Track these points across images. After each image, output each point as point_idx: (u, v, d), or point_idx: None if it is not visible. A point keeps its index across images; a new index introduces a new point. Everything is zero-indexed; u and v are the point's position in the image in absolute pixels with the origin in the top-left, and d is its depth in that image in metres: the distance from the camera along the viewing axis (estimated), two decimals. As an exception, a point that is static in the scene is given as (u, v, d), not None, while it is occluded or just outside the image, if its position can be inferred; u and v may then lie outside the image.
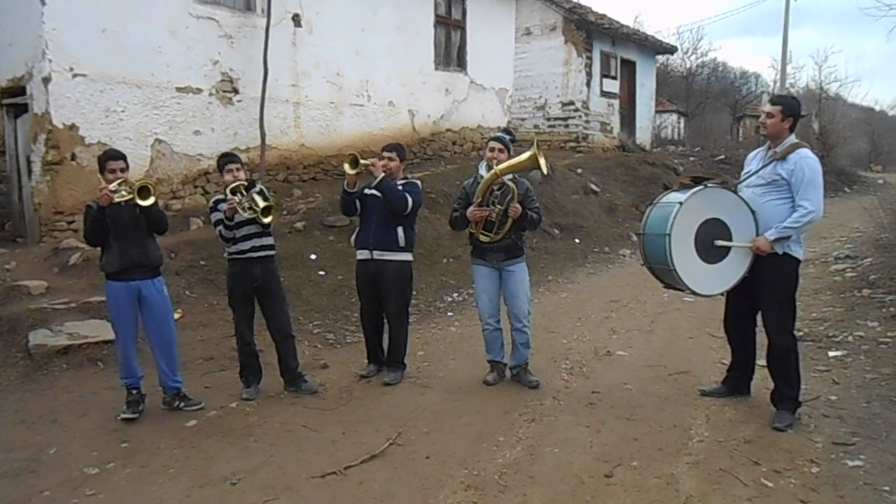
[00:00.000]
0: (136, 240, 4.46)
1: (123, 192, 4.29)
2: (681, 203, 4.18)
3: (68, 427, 4.36)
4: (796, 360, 4.26)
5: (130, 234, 4.43)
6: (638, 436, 4.10)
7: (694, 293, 4.37)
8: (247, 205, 4.69)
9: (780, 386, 4.27)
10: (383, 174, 5.02)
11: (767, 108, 4.34)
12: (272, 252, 4.95)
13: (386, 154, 5.18)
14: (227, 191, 4.75)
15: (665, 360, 5.61)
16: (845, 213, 13.58)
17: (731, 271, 4.28)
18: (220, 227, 4.77)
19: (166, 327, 4.61)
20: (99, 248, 4.54)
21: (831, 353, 5.54)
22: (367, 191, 5.13)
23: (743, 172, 4.52)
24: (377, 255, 5.11)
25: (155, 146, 8.36)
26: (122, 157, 4.49)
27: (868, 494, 3.36)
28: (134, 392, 4.51)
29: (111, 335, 5.61)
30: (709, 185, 4.29)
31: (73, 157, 7.67)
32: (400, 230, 5.10)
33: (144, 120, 8.24)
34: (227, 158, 4.96)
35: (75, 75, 7.58)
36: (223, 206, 4.73)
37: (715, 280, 4.29)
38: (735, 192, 4.34)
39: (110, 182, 4.33)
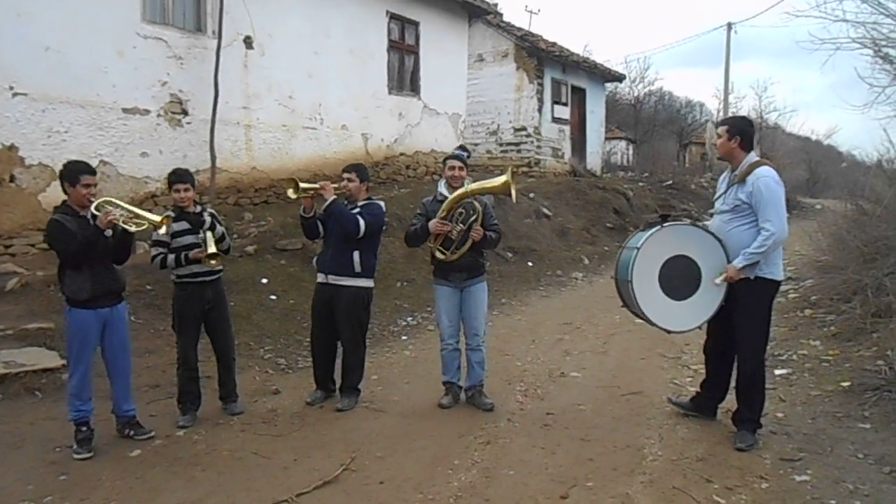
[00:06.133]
0: (108, 265, 4.31)
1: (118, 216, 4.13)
2: (638, 248, 4.24)
3: (2, 460, 4.12)
4: (762, 383, 4.32)
5: (103, 259, 4.27)
6: (593, 456, 4.11)
7: (667, 331, 4.46)
8: (200, 240, 4.67)
9: (742, 408, 4.30)
10: (333, 197, 4.92)
11: (717, 130, 4.39)
12: (220, 273, 4.91)
13: (345, 175, 5.08)
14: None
15: (618, 381, 5.66)
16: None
17: (706, 304, 4.29)
18: (170, 258, 4.66)
19: (126, 354, 4.45)
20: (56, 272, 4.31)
21: (777, 372, 5.68)
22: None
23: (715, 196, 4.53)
24: (332, 279, 5.02)
25: (100, 168, 8.10)
26: (94, 171, 4.33)
27: (816, 509, 3.43)
28: (84, 429, 4.24)
29: (50, 363, 5.42)
30: (665, 224, 4.30)
31: (12, 179, 7.39)
32: (356, 255, 4.97)
33: (89, 141, 8.01)
34: (175, 176, 4.80)
35: (15, 94, 7.34)
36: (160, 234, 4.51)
37: (686, 315, 4.32)
38: (697, 224, 4.35)
39: (84, 196, 4.16)
